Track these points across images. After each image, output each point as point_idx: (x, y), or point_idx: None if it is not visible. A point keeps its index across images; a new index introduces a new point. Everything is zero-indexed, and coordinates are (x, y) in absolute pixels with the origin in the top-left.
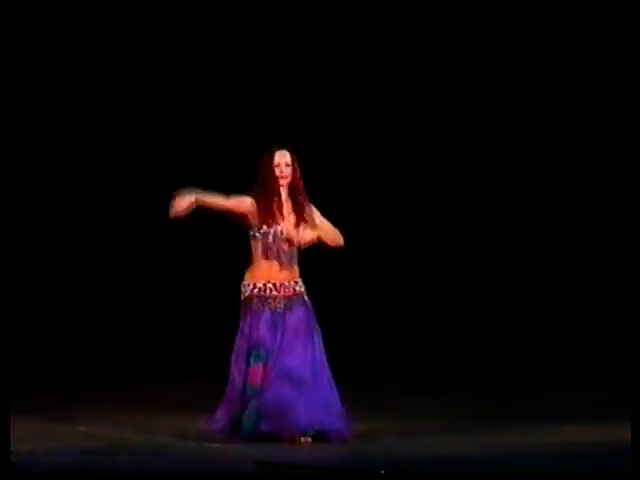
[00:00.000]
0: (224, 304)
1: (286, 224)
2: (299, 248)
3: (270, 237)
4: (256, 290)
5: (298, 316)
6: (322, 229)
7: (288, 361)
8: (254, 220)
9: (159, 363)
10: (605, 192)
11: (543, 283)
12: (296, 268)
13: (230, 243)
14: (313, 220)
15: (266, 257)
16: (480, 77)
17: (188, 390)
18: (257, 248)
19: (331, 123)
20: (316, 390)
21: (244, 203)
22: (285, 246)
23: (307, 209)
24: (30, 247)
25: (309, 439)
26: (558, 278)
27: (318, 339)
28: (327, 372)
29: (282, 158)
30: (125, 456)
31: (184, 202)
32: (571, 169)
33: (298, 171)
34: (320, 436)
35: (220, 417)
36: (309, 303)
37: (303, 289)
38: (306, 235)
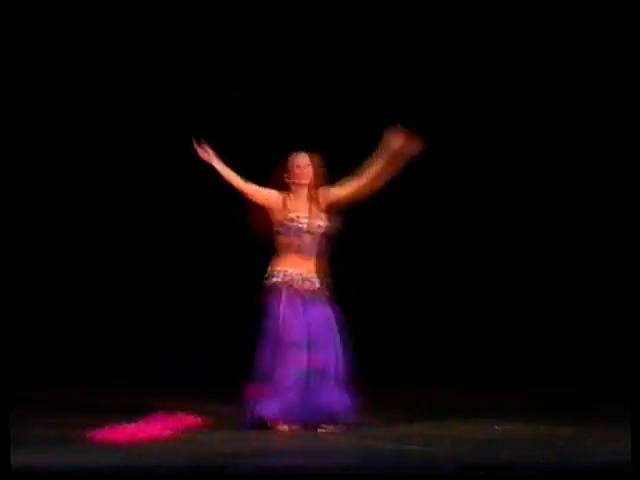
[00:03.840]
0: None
1: (308, 219)
2: (329, 237)
3: (292, 232)
4: (287, 277)
5: (320, 310)
6: (336, 192)
7: (315, 355)
8: (279, 215)
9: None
10: (610, 194)
11: (545, 284)
12: (322, 264)
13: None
14: (324, 199)
15: (289, 251)
16: (486, 77)
17: None
18: (281, 243)
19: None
20: (336, 384)
21: (270, 196)
22: (308, 240)
23: (320, 198)
24: (31, 247)
25: (330, 428)
26: (561, 280)
27: (338, 335)
28: (346, 367)
29: (302, 159)
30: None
31: (204, 154)
32: (572, 170)
33: (319, 171)
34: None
35: (272, 403)
36: (330, 299)
37: (325, 284)
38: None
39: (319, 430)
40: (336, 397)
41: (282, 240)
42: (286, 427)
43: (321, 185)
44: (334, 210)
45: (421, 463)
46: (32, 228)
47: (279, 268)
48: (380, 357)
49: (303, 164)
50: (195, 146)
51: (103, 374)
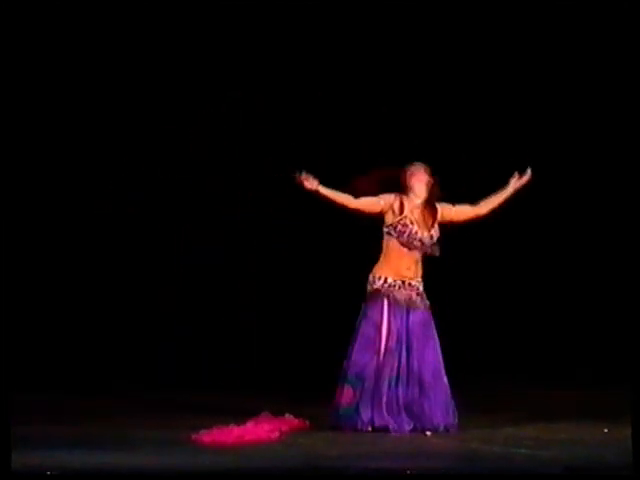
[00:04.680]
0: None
1: (422, 229)
2: (431, 251)
3: (405, 236)
4: (386, 285)
5: (420, 316)
6: (455, 212)
7: (412, 361)
8: (393, 217)
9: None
10: (616, 196)
11: (549, 284)
12: (421, 270)
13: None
14: (439, 214)
15: (398, 254)
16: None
17: None
18: (390, 244)
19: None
20: (435, 391)
21: (385, 202)
22: (416, 248)
23: (434, 211)
24: (36, 249)
25: (428, 433)
26: (566, 280)
27: (436, 341)
28: (444, 373)
29: (420, 170)
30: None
31: (308, 183)
32: (576, 170)
33: (435, 182)
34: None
35: (369, 408)
36: (429, 304)
37: (422, 289)
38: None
39: (427, 434)
40: (438, 402)
41: (391, 243)
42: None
43: (437, 199)
44: (443, 226)
45: (528, 466)
46: (33, 231)
47: (381, 274)
48: (481, 358)
49: (425, 177)
50: (298, 179)
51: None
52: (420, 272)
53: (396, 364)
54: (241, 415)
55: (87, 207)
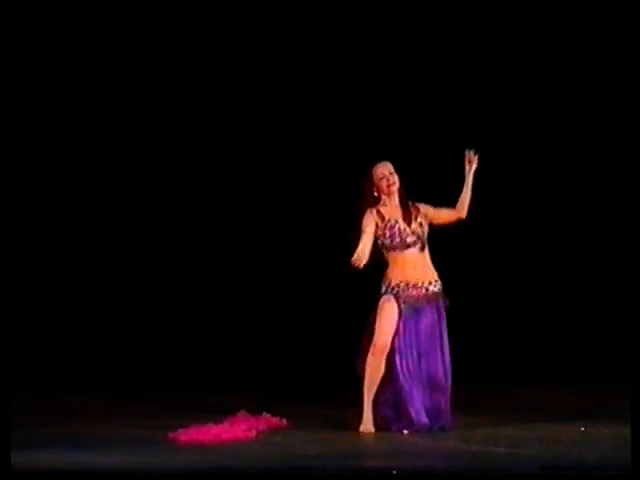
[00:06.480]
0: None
1: (404, 225)
2: (426, 246)
3: (396, 238)
4: (390, 289)
5: (429, 318)
6: (434, 212)
7: (424, 363)
8: (380, 230)
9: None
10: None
11: (548, 284)
12: (430, 269)
13: None
14: (419, 211)
15: (396, 259)
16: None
17: None
18: (388, 254)
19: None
20: (446, 392)
21: (375, 223)
22: (412, 246)
23: (412, 207)
24: (32, 250)
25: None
26: (566, 280)
27: (446, 342)
28: (449, 377)
29: (386, 169)
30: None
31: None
32: (584, 170)
33: (400, 179)
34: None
35: (388, 412)
36: (442, 304)
37: (437, 289)
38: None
39: (404, 432)
40: (441, 403)
41: (388, 251)
42: (405, 432)
43: (405, 191)
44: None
45: (506, 465)
46: (32, 231)
47: (387, 280)
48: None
49: (388, 173)
50: (352, 263)
51: (189, 375)
52: (429, 273)
53: (403, 366)
54: (218, 414)
55: (87, 207)
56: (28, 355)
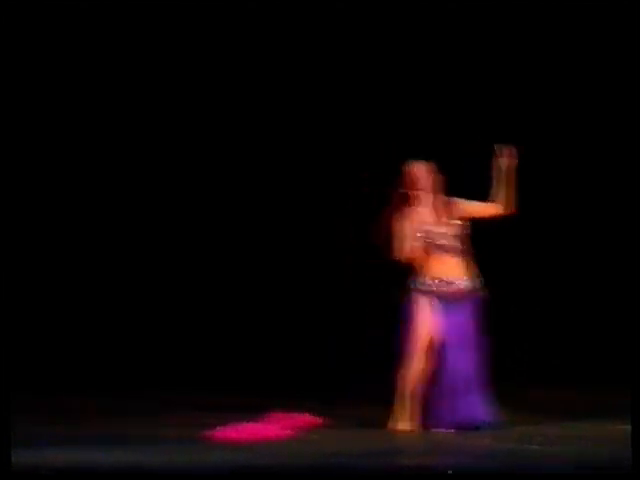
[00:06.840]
0: None
1: (438, 224)
2: (466, 243)
3: (431, 237)
4: (427, 285)
5: (463, 314)
6: (470, 206)
7: (460, 361)
8: (414, 228)
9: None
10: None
11: (548, 284)
12: (465, 265)
13: None
14: (457, 206)
15: (430, 256)
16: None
17: None
18: (420, 254)
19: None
20: (482, 389)
21: (407, 221)
22: (445, 244)
23: (448, 203)
24: (32, 250)
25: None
26: (566, 280)
27: (480, 338)
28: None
29: (420, 169)
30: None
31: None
32: (585, 171)
33: (436, 177)
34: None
35: (426, 410)
36: (479, 301)
37: (473, 286)
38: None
39: (440, 430)
40: (477, 401)
41: (420, 251)
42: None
43: (441, 192)
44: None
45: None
46: (33, 231)
47: (420, 276)
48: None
49: (423, 173)
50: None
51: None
52: (462, 268)
53: (437, 363)
54: (254, 412)
55: (87, 207)
56: (28, 355)
